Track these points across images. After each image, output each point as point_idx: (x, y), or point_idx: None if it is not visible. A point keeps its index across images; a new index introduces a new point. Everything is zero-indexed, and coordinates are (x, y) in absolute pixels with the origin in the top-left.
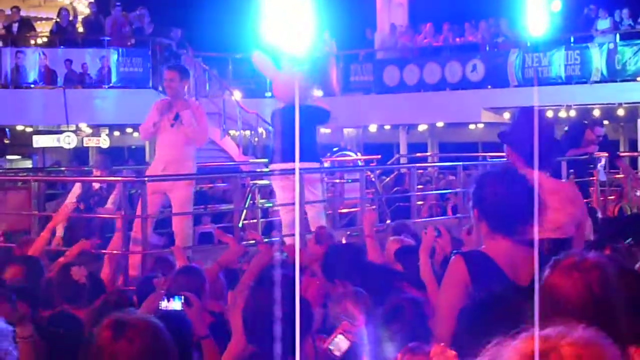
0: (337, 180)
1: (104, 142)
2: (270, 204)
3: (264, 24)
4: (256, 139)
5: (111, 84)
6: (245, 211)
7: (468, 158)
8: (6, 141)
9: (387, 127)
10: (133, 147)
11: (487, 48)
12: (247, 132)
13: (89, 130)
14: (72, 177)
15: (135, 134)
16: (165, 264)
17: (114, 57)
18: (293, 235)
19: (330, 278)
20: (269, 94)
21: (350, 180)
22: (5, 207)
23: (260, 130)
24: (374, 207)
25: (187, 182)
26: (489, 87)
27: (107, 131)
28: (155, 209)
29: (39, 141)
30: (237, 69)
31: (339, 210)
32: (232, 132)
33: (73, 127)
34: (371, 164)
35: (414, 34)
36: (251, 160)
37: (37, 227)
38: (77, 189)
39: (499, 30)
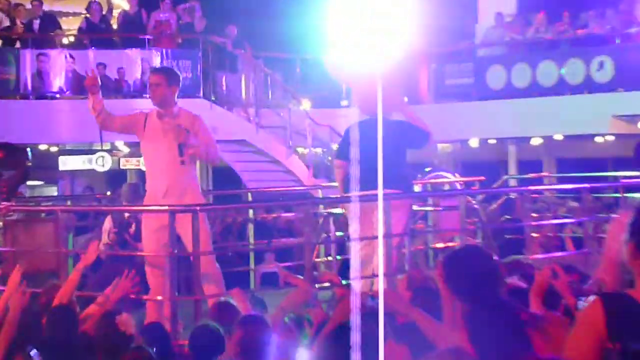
0: (430, 209)
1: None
2: (347, 238)
3: (338, 18)
4: (329, 158)
5: None
6: (317, 246)
7: (594, 178)
8: (28, 164)
9: (492, 141)
10: None
11: (618, 41)
12: (319, 150)
13: (126, 150)
14: (107, 206)
15: None
16: (229, 312)
17: (156, 60)
18: (373, 276)
19: (455, 290)
20: (345, 102)
21: (446, 209)
22: (28, 244)
23: (335, 146)
24: (477, 240)
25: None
26: (620, 89)
27: None
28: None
29: (67, 163)
30: (307, 72)
31: (433, 245)
32: (300, 149)
33: (108, 146)
34: (472, 188)
35: (524, 25)
36: (324, 184)
37: (66, 268)
38: (109, 222)
39: (632, 18)
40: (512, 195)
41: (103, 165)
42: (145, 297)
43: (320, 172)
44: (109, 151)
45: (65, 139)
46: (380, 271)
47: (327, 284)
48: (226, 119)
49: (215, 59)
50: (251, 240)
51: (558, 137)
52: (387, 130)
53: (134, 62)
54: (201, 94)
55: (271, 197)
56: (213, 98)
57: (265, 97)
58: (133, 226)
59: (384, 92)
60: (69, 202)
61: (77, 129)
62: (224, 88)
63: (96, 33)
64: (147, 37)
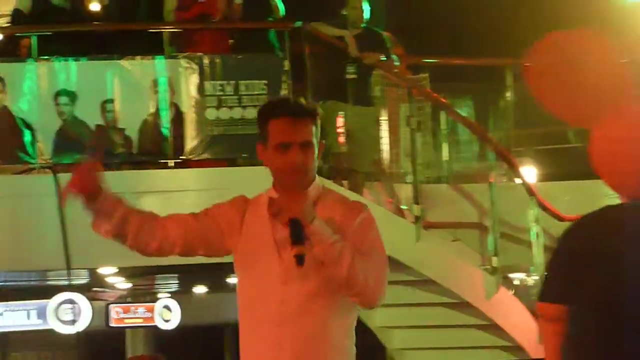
0: None
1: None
2: None
3: None
4: None
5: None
6: None
7: None
8: None
9: None
10: None
11: None
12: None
13: (118, 281)
14: None
15: None
16: None
17: (191, 78)
18: None
19: None
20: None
21: None
22: None
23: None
24: None
25: None
26: None
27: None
28: None
29: None
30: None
31: None
32: (517, 276)
33: (83, 277)
34: None
35: None
36: None
37: None
38: None
39: None
40: None
41: (71, 323)
42: None
43: None
44: (83, 290)
45: None
46: None
47: None
48: (347, 207)
49: (322, 79)
50: None
51: None
52: None
53: (137, 84)
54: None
55: None
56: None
57: (435, 157)
58: None
59: None
60: None
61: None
62: (343, 141)
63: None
64: (164, 27)
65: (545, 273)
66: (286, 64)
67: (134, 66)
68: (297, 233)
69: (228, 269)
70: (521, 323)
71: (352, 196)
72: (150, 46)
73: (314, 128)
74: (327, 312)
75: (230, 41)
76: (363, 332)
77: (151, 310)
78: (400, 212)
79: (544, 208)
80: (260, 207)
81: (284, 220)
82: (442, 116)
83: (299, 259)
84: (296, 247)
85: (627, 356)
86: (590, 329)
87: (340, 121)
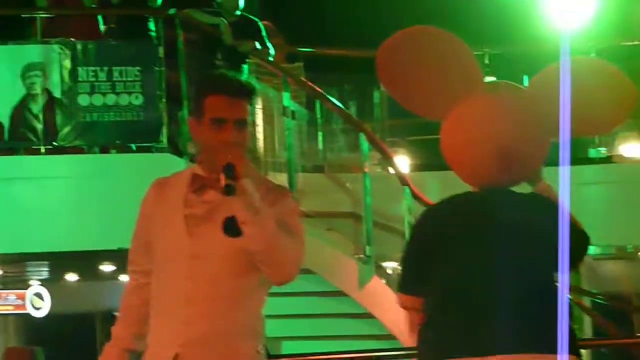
0: None
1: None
2: None
3: None
4: None
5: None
6: None
7: None
8: None
9: None
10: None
11: None
12: None
13: None
14: None
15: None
16: None
17: (64, 62)
18: None
19: None
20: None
21: None
22: None
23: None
24: None
25: None
26: None
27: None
28: None
29: None
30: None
31: None
32: (390, 264)
33: None
34: None
35: None
36: None
37: None
38: None
39: None
40: None
41: None
42: None
43: None
44: None
45: None
46: None
47: None
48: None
49: (196, 67)
50: None
51: None
52: (536, 223)
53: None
54: (164, 140)
55: None
56: (190, 150)
57: (310, 147)
58: None
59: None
60: None
61: None
62: None
63: None
64: (37, 13)
65: (401, 264)
66: (160, 51)
67: (5, 51)
68: (231, 173)
69: (100, 257)
70: (394, 312)
71: None
72: (23, 31)
73: (249, 107)
74: (236, 292)
75: (104, 27)
76: None
77: (22, 297)
78: None
79: (416, 197)
80: (179, 184)
81: (220, 165)
82: (317, 105)
83: (228, 189)
84: (228, 181)
85: (475, 338)
86: (438, 315)
87: None
